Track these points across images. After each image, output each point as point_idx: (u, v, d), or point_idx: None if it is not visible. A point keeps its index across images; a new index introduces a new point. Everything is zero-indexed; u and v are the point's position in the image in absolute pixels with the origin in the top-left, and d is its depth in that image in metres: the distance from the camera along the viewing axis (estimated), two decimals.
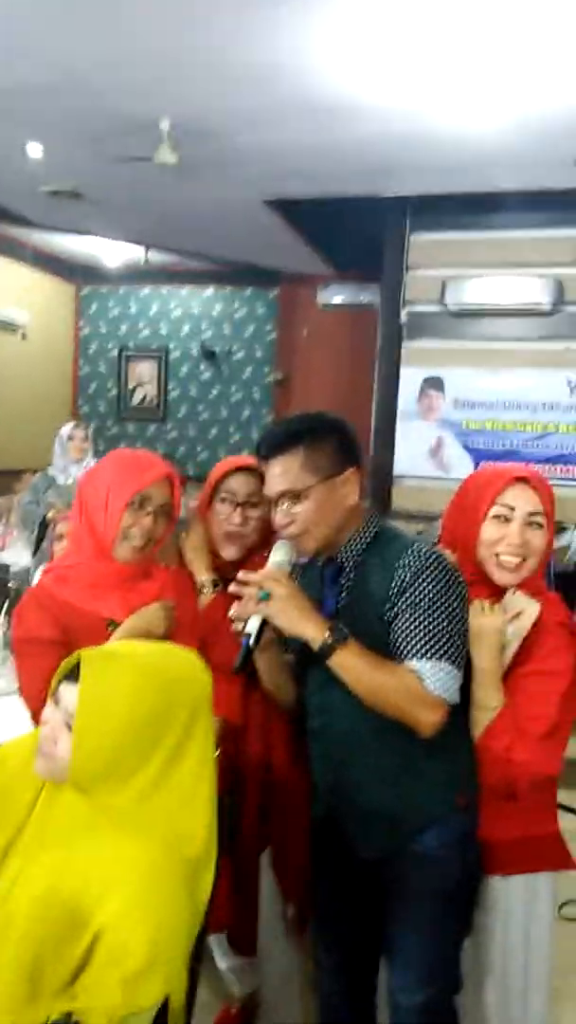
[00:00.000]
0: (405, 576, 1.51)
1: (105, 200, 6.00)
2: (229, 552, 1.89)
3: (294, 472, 1.55)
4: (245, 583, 1.53)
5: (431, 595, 1.50)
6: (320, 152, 4.75)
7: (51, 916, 1.16)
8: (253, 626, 1.54)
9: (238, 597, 1.55)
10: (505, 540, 1.62)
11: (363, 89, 3.90)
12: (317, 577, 1.69)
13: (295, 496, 1.55)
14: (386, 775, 1.58)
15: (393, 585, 1.53)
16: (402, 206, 5.50)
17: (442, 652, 1.48)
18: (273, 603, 1.49)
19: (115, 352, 9.21)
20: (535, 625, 1.62)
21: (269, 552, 1.68)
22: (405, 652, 1.50)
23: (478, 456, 5.62)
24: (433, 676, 1.48)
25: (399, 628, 1.51)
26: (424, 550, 1.55)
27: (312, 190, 5.40)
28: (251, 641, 1.54)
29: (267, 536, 1.89)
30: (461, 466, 5.67)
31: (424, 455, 5.67)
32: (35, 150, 5.11)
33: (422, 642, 1.48)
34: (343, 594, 1.61)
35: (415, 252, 5.57)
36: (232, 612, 1.57)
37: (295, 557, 1.62)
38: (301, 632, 1.49)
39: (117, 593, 1.70)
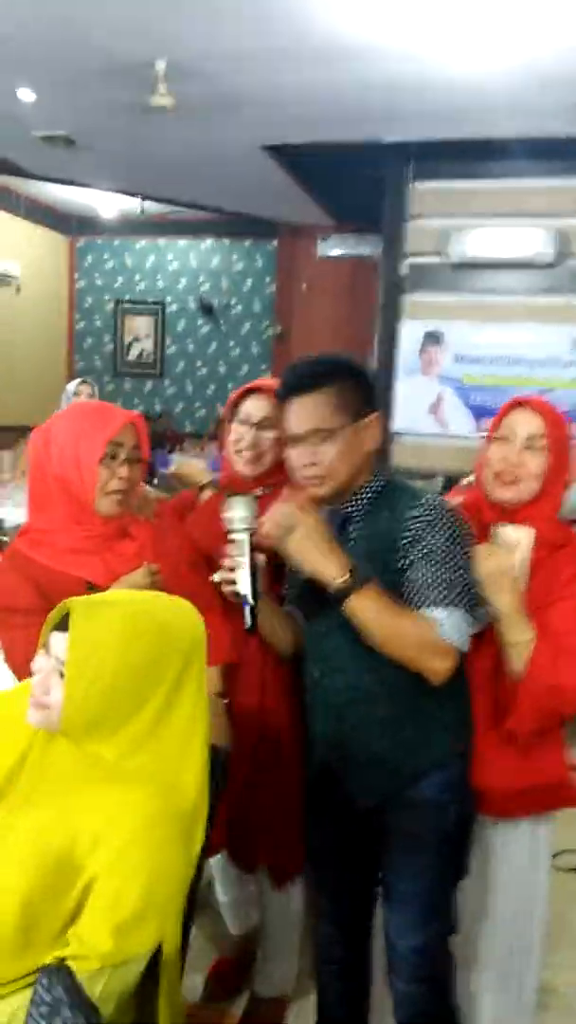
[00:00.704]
0: (418, 526, 1.52)
1: (99, 147, 5.86)
2: (246, 469, 1.93)
3: (323, 412, 1.52)
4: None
5: (445, 545, 1.51)
6: (320, 96, 4.61)
7: (44, 865, 1.16)
8: (245, 584, 1.53)
9: (216, 569, 1.57)
10: (503, 458, 1.69)
11: (364, 31, 3.77)
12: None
13: (326, 435, 1.52)
14: (388, 723, 1.58)
15: (405, 535, 1.52)
16: (403, 153, 5.36)
17: (457, 600, 1.50)
18: (294, 537, 1.46)
19: (111, 306, 9.09)
20: (554, 560, 1.69)
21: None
22: (421, 601, 1.50)
23: (478, 412, 5.57)
24: (449, 623, 1.49)
25: (414, 578, 1.51)
26: (436, 501, 1.56)
27: (312, 136, 5.26)
28: (250, 598, 1.53)
29: (279, 457, 1.88)
30: (461, 423, 5.63)
31: (424, 411, 5.62)
32: (26, 95, 4.97)
33: (438, 590, 1.49)
34: (350, 543, 1.59)
35: (416, 201, 5.46)
36: (217, 576, 1.57)
37: (256, 512, 1.59)
38: (320, 571, 1.47)
39: (96, 556, 1.66)
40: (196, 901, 1.44)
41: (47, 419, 1.75)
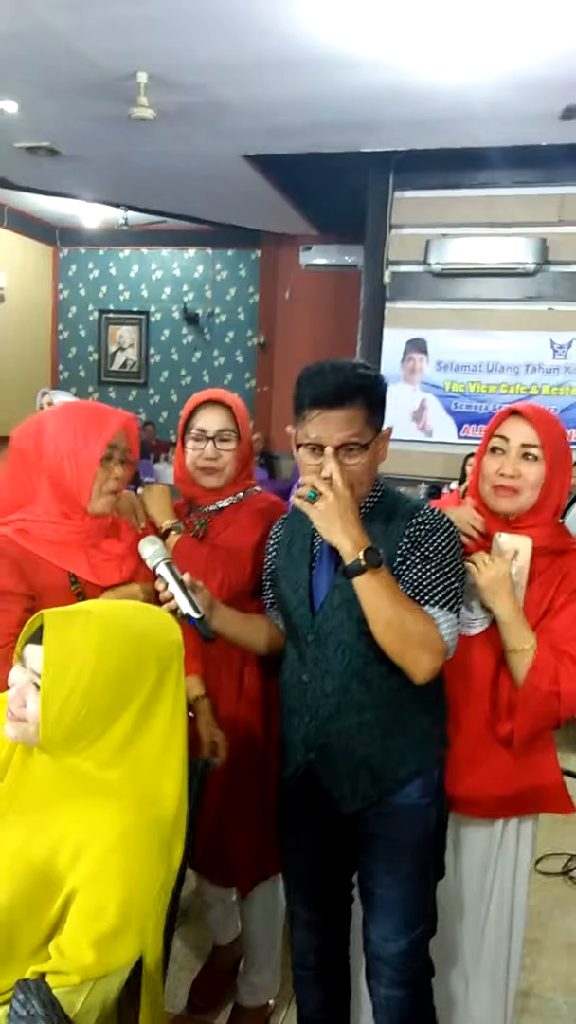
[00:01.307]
0: (418, 535, 1.54)
1: (82, 157, 5.86)
2: (208, 481, 1.90)
3: (359, 425, 1.52)
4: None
5: (443, 550, 1.54)
6: (301, 106, 4.64)
7: (24, 878, 1.14)
8: (185, 604, 1.52)
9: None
10: (499, 470, 1.66)
11: (345, 41, 3.80)
12: (307, 535, 1.67)
13: (360, 448, 1.53)
14: (375, 729, 1.58)
15: (402, 543, 1.54)
16: (386, 162, 5.40)
17: (453, 603, 1.53)
18: (319, 504, 1.47)
19: (95, 315, 9.09)
20: (555, 567, 1.68)
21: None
22: (419, 599, 1.52)
23: (460, 419, 5.60)
24: (445, 624, 1.51)
25: (412, 577, 1.53)
26: (434, 512, 1.58)
27: (293, 145, 5.29)
28: (195, 614, 1.52)
29: (241, 468, 1.91)
30: (444, 430, 5.66)
31: (407, 419, 5.64)
32: (9, 106, 4.97)
33: (436, 591, 1.52)
34: None
35: (398, 210, 5.49)
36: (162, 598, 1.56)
37: (162, 543, 1.62)
38: (337, 542, 1.47)
39: (82, 551, 1.66)
40: (178, 911, 1.42)
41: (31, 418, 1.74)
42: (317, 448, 1.54)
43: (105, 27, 3.77)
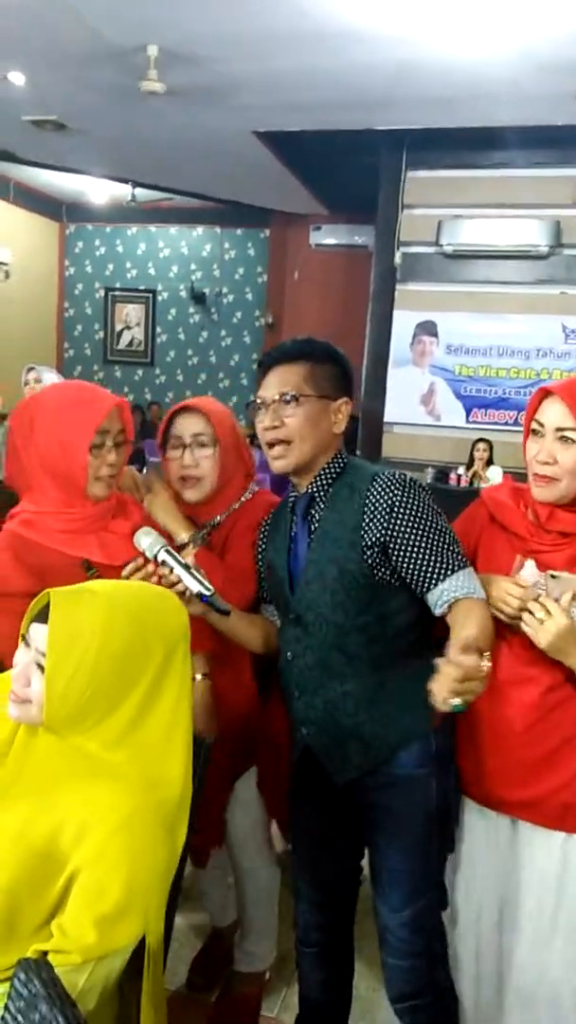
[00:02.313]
0: (389, 497, 1.54)
1: (89, 131, 5.79)
2: (189, 495, 1.84)
3: (296, 380, 1.59)
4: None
5: (424, 512, 1.54)
6: (313, 82, 4.57)
7: (27, 858, 1.14)
8: (194, 584, 1.55)
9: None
10: (537, 456, 1.57)
11: (360, 16, 3.73)
12: (286, 520, 1.70)
13: (291, 400, 1.58)
14: (359, 698, 1.59)
15: (370, 508, 1.55)
16: (398, 141, 5.33)
17: (462, 561, 1.53)
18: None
19: (101, 293, 9.03)
20: None
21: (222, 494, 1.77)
22: (437, 576, 1.52)
23: (469, 403, 5.56)
24: (468, 584, 1.52)
25: (416, 557, 1.53)
26: (389, 473, 1.59)
27: (305, 122, 5.22)
28: (206, 592, 1.55)
29: (227, 477, 1.84)
30: (452, 414, 5.62)
31: (416, 402, 5.60)
32: (17, 78, 4.90)
33: (444, 561, 1.52)
34: (315, 525, 1.62)
35: (411, 190, 5.43)
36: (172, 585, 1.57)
37: (154, 530, 1.64)
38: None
39: (92, 535, 1.65)
40: (180, 892, 1.41)
41: (23, 401, 1.73)
42: (261, 407, 1.61)
43: (117, 1, 3.71)
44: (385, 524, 1.52)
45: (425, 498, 1.56)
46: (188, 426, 1.82)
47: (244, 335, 8.65)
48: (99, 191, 7.95)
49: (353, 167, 5.96)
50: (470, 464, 5.57)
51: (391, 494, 1.54)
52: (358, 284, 6.63)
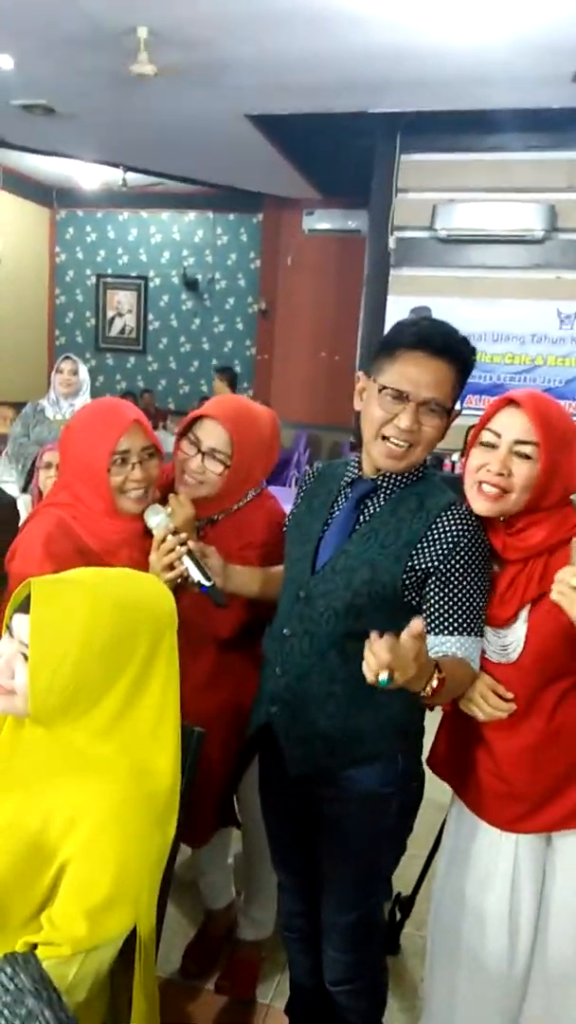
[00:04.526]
0: (455, 535, 1.46)
1: (79, 116, 5.72)
2: (186, 492, 1.80)
3: (447, 388, 1.47)
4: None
5: (480, 567, 1.47)
6: (306, 64, 4.51)
7: (17, 850, 1.13)
8: (195, 572, 1.56)
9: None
10: (486, 467, 1.46)
11: None
12: (333, 492, 1.62)
13: (440, 411, 1.47)
14: (341, 703, 1.54)
15: (434, 536, 1.47)
16: (392, 124, 5.28)
17: (478, 628, 1.48)
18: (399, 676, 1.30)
19: (92, 280, 8.96)
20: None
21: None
22: (446, 628, 1.46)
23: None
24: (474, 650, 1.48)
25: (438, 604, 1.47)
26: (466, 509, 1.49)
27: (298, 105, 5.17)
28: (206, 582, 1.57)
29: (230, 490, 1.80)
30: None
31: None
32: (5, 62, 4.84)
33: (463, 618, 1.46)
34: (366, 517, 1.54)
35: (405, 174, 5.38)
36: (166, 577, 1.57)
37: (167, 510, 1.65)
38: (411, 688, 1.33)
39: (125, 548, 1.68)
40: (172, 881, 1.40)
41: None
42: (400, 396, 1.46)
43: None
44: (441, 558, 1.45)
45: (486, 550, 1.49)
46: (210, 437, 1.75)
47: (237, 321, 8.59)
48: (90, 176, 7.87)
49: (347, 151, 5.91)
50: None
51: (460, 533, 1.46)
52: (352, 269, 6.59)
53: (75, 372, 4.25)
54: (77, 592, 1.17)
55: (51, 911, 1.11)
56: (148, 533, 1.69)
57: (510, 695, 1.49)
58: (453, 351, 1.47)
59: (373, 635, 1.22)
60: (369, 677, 1.23)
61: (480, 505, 1.48)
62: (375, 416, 1.49)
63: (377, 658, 1.21)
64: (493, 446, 1.47)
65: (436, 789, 1.71)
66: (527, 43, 4.07)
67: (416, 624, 1.25)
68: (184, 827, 1.53)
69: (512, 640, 1.49)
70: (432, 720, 1.67)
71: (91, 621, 1.15)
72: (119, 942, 1.14)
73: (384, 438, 1.49)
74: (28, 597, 1.18)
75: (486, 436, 1.49)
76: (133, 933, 1.16)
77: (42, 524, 1.66)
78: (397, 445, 1.48)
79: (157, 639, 1.21)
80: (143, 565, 1.65)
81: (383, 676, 1.22)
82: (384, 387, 1.47)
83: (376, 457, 1.52)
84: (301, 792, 1.63)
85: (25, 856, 1.12)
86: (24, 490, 4.07)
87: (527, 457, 1.44)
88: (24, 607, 1.18)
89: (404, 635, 1.23)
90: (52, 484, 1.96)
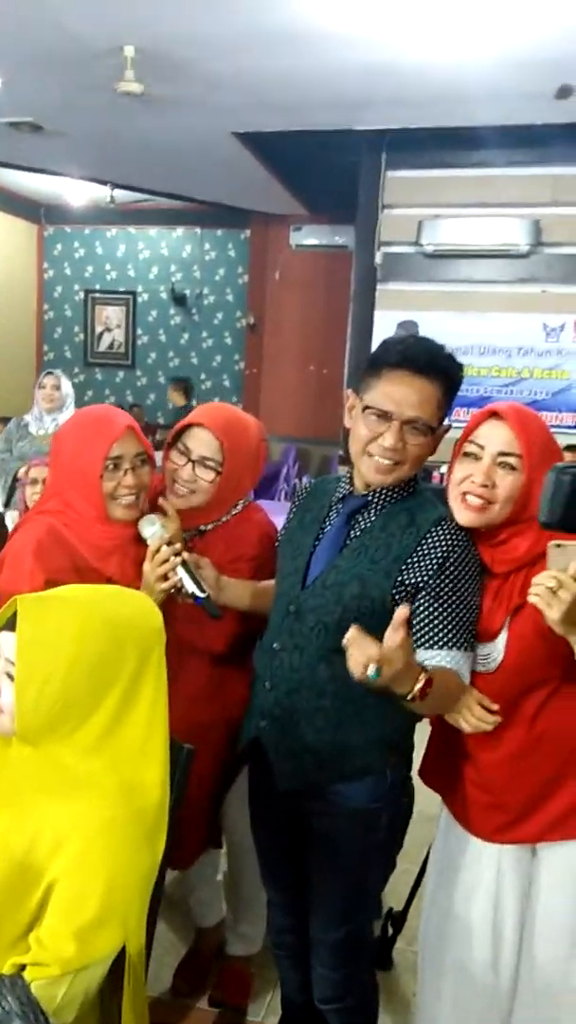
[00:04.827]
0: (444, 550, 1.46)
1: (67, 133, 5.75)
2: (175, 501, 1.80)
3: (432, 407, 1.47)
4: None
5: (470, 583, 1.47)
6: (292, 82, 4.55)
7: (4, 870, 1.12)
8: (190, 583, 1.57)
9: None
10: (470, 478, 1.47)
11: (338, 17, 3.72)
12: (325, 507, 1.62)
13: (424, 430, 1.47)
14: (330, 718, 1.54)
15: (424, 552, 1.47)
16: (378, 141, 5.33)
17: (469, 642, 1.48)
18: (385, 670, 1.30)
19: (81, 295, 8.97)
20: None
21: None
22: (436, 642, 1.46)
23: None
24: (465, 664, 1.48)
25: (428, 617, 1.46)
26: (455, 529, 1.49)
27: (283, 123, 5.20)
28: (200, 594, 1.58)
29: (220, 498, 1.80)
30: None
31: None
32: None
33: (453, 632, 1.46)
34: (356, 532, 1.54)
35: (391, 190, 5.43)
36: (160, 588, 1.58)
37: (161, 520, 1.66)
38: (398, 687, 1.33)
39: (115, 555, 1.68)
40: (161, 899, 1.39)
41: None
42: (384, 416, 1.47)
43: (93, 1, 3.68)
44: (431, 573, 1.45)
45: (476, 564, 1.49)
46: (200, 445, 1.75)
47: (226, 336, 8.62)
48: (78, 193, 7.89)
49: (333, 167, 5.95)
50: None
51: (450, 548, 1.46)
52: (339, 284, 6.62)
53: (57, 387, 4.23)
54: (64, 609, 1.17)
55: (39, 931, 1.10)
56: (140, 541, 1.69)
57: (495, 706, 1.49)
58: (438, 368, 1.48)
59: (352, 630, 1.23)
60: (357, 672, 1.23)
61: (464, 516, 1.49)
62: (361, 435, 1.50)
63: (363, 651, 1.21)
64: (477, 458, 1.48)
65: (429, 803, 1.71)
66: (510, 60, 4.11)
67: (400, 612, 1.26)
68: (172, 847, 1.53)
69: (492, 649, 1.50)
70: (422, 735, 1.67)
71: (78, 638, 1.14)
72: (108, 961, 1.13)
73: (371, 455, 1.50)
74: (14, 615, 1.17)
75: (470, 448, 1.51)
76: (123, 952, 1.15)
77: (32, 532, 1.65)
78: (383, 461, 1.49)
79: (145, 655, 1.20)
80: (132, 573, 1.65)
81: (371, 670, 1.21)
82: (368, 407, 1.48)
83: (365, 473, 1.53)
84: (290, 807, 1.63)
85: (12, 876, 1.11)
86: (6, 505, 4.07)
87: (511, 468, 1.46)
88: (10, 625, 1.17)
89: (389, 630, 1.24)
90: (39, 499, 1.97)
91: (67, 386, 4.31)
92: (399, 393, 1.46)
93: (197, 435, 1.76)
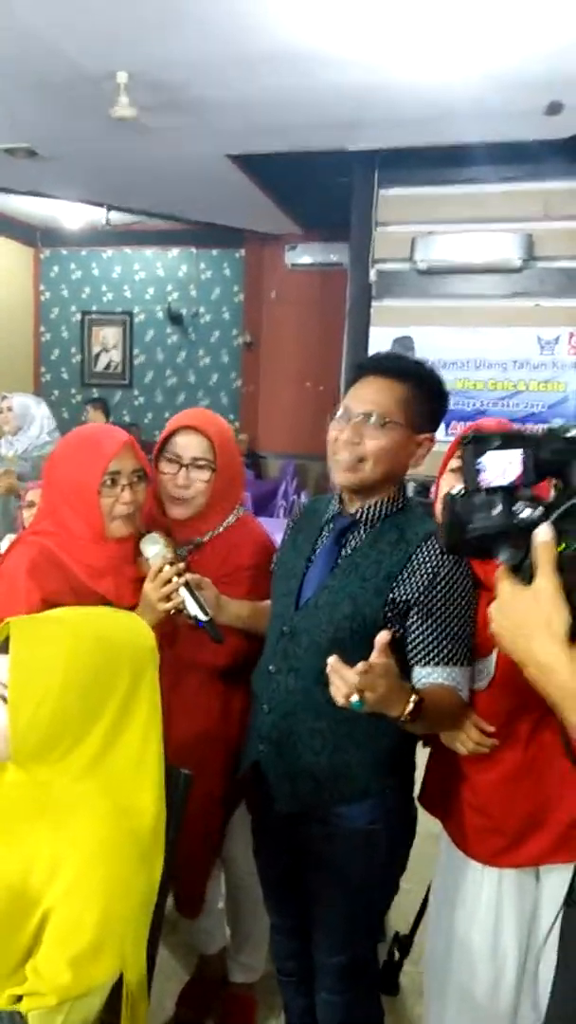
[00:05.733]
0: (434, 564, 1.46)
1: (62, 158, 5.79)
2: (177, 512, 1.79)
3: (389, 403, 1.49)
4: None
5: (464, 596, 1.47)
6: (284, 104, 4.59)
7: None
8: (192, 606, 1.57)
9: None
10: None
11: (328, 40, 3.76)
12: (316, 528, 1.63)
13: (379, 422, 1.48)
14: (327, 739, 1.52)
15: (414, 566, 1.47)
16: (370, 160, 5.36)
17: (466, 657, 1.47)
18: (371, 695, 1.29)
19: (78, 317, 9.00)
20: None
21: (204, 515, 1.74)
22: (430, 658, 1.45)
23: (448, 416, 5.54)
24: (463, 680, 1.47)
25: (423, 632, 1.46)
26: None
27: (276, 144, 5.24)
28: (203, 616, 1.57)
29: (217, 500, 1.80)
30: None
31: None
32: None
33: (457, 648, 1.45)
34: (347, 551, 1.54)
35: (383, 208, 5.46)
36: (161, 607, 1.58)
37: (166, 540, 1.65)
38: (387, 711, 1.33)
39: (109, 576, 1.67)
40: (162, 924, 1.38)
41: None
42: (344, 415, 1.51)
43: (84, 25, 3.71)
44: (421, 588, 1.45)
45: (467, 579, 1.48)
46: (189, 447, 1.75)
47: (223, 354, 8.64)
48: (73, 216, 7.94)
49: (326, 187, 5.99)
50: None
51: (440, 562, 1.46)
52: (334, 301, 6.64)
53: (10, 408, 4.18)
54: (57, 631, 1.17)
55: (36, 960, 1.08)
56: (137, 560, 1.68)
57: (491, 728, 1.48)
58: (404, 370, 1.52)
59: (332, 659, 1.22)
60: (339, 701, 1.23)
61: None
62: (329, 439, 1.55)
63: (345, 680, 1.20)
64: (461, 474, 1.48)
65: (436, 822, 1.70)
66: (499, 79, 4.15)
67: (381, 637, 1.25)
68: (171, 872, 1.52)
69: (485, 665, 1.50)
70: (424, 755, 1.66)
71: (72, 660, 1.14)
72: (106, 989, 1.12)
73: (335, 455, 1.54)
74: (7, 638, 1.17)
75: (456, 463, 1.52)
76: (118, 984, 1.14)
77: (24, 553, 1.65)
78: (342, 458, 1.51)
79: (138, 676, 1.19)
80: (127, 593, 1.64)
81: (354, 699, 1.21)
82: (334, 413, 1.53)
83: (335, 478, 1.55)
84: (291, 830, 1.61)
85: (8, 904, 1.10)
86: None
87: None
88: (3, 647, 1.17)
89: (372, 655, 1.23)
90: (31, 520, 1.98)
91: (24, 406, 4.20)
92: (359, 394, 1.51)
93: (185, 439, 1.76)
